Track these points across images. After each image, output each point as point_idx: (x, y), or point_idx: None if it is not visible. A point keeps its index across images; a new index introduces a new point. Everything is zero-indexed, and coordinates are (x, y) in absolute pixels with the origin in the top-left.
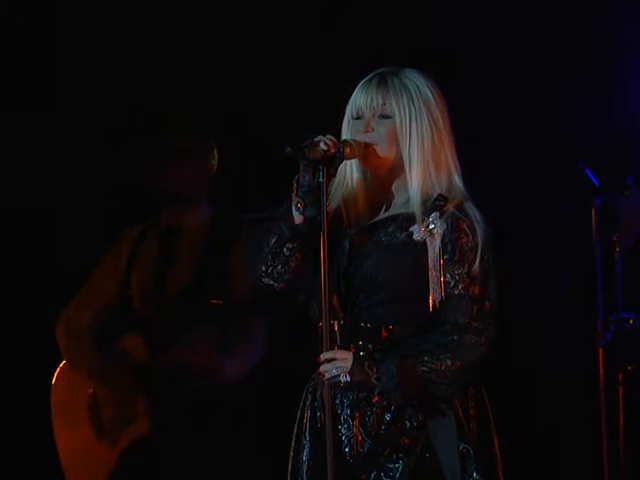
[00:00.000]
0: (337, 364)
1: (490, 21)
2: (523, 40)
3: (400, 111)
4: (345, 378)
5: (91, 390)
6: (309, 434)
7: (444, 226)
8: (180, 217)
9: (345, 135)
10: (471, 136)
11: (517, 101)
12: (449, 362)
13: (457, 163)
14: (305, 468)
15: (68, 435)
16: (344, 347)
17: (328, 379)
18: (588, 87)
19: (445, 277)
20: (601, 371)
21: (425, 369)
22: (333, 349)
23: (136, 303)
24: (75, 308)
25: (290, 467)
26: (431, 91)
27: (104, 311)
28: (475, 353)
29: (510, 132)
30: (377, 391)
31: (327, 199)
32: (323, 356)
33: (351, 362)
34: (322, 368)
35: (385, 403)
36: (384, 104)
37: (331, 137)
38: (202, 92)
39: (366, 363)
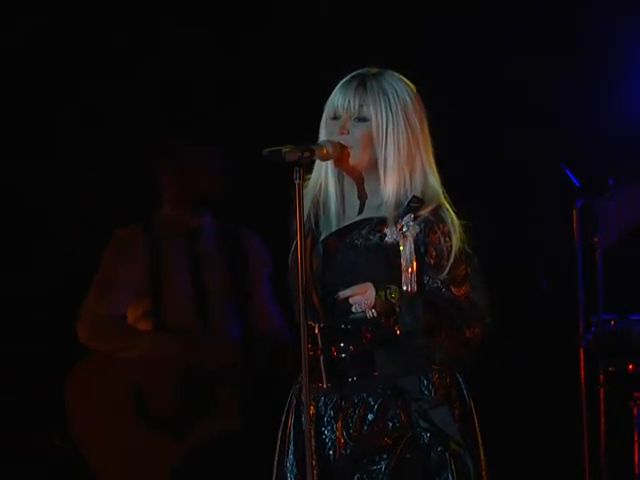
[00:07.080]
0: (357, 299)
1: (484, 22)
2: (511, 42)
3: (377, 115)
4: (371, 314)
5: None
6: (294, 437)
7: (417, 229)
8: (199, 221)
9: (321, 134)
10: (455, 137)
11: (500, 103)
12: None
13: (434, 167)
14: (289, 471)
15: (104, 428)
16: (325, 349)
17: (354, 314)
18: (570, 89)
19: (424, 280)
20: (582, 372)
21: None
22: (315, 351)
23: (172, 303)
24: (100, 304)
25: (275, 471)
26: (410, 96)
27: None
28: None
29: (493, 133)
30: (400, 322)
31: (303, 200)
32: (342, 294)
33: (373, 296)
34: (351, 301)
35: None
36: (361, 107)
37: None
38: None
39: (387, 291)
